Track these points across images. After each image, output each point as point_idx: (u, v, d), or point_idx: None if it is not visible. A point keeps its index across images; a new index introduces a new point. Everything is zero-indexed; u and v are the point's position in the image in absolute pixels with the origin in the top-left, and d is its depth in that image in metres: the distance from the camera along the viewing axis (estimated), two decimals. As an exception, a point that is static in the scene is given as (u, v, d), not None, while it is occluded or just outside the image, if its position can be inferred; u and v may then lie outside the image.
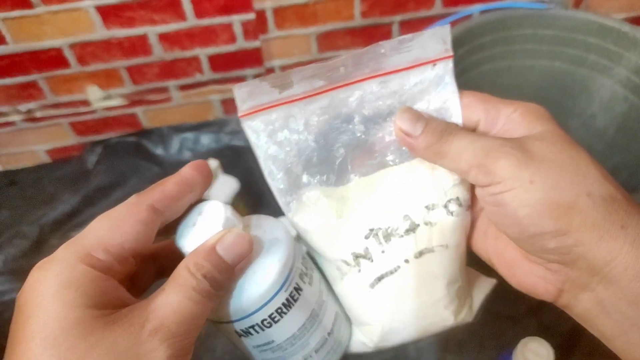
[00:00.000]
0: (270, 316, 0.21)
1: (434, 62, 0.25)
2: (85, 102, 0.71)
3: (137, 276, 0.22)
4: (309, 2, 0.65)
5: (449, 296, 0.25)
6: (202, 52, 0.68)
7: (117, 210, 0.19)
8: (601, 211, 0.18)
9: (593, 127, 0.63)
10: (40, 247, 0.65)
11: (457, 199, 0.25)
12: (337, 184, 0.25)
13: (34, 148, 0.76)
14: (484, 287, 0.28)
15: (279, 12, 0.66)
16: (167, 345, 0.17)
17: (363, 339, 0.26)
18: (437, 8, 0.68)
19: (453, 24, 0.57)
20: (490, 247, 0.24)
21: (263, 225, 0.23)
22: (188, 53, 0.67)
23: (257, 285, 0.20)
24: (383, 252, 0.24)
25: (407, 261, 0.24)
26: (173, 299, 0.17)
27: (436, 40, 0.24)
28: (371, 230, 0.24)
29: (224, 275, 0.19)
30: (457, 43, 0.57)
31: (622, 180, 0.65)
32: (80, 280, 0.17)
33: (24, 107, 0.70)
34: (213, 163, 0.58)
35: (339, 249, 0.24)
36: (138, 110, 0.74)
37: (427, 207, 0.25)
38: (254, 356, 0.23)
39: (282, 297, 0.21)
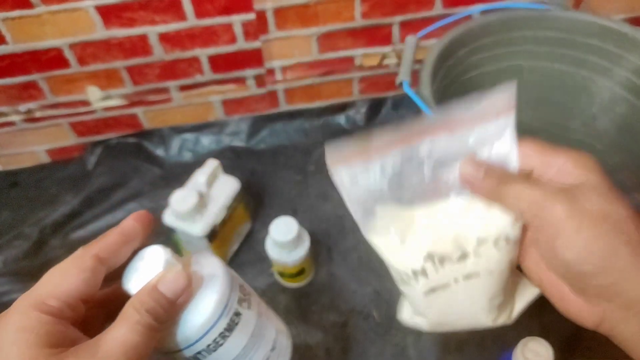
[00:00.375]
0: (214, 341, 0.24)
1: (498, 115, 0.29)
2: (85, 103, 0.71)
3: (90, 320, 0.24)
4: (310, 3, 0.65)
5: (489, 308, 0.31)
6: (203, 53, 0.68)
7: (65, 262, 0.22)
8: (637, 256, 0.22)
9: (593, 128, 0.63)
10: (40, 249, 0.65)
11: (507, 237, 0.29)
12: (405, 204, 0.31)
13: (34, 149, 0.76)
14: (527, 295, 0.33)
15: (279, 12, 0.66)
16: None
17: (419, 323, 0.34)
18: (438, 9, 0.68)
19: (453, 24, 0.57)
20: (543, 276, 0.28)
21: (201, 262, 0.26)
22: (188, 53, 0.68)
23: (199, 315, 0.23)
24: (437, 272, 0.30)
25: (456, 280, 0.30)
26: (120, 332, 0.20)
27: (502, 95, 0.29)
28: (429, 254, 0.30)
29: (166, 309, 0.22)
30: (458, 44, 0.57)
31: (622, 180, 0.65)
32: (34, 324, 0.19)
33: (23, 107, 0.70)
34: (213, 163, 0.58)
35: (402, 266, 0.31)
36: (138, 111, 0.74)
37: (478, 240, 0.30)
38: None
39: (223, 323, 0.24)
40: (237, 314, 0.25)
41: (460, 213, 0.30)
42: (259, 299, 0.28)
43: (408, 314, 0.35)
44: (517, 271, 0.32)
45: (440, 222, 0.31)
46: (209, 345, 0.24)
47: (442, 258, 0.30)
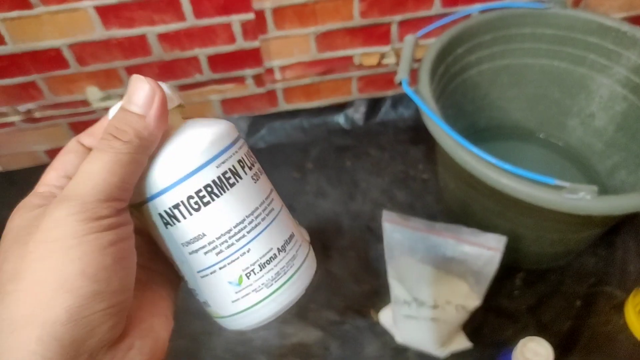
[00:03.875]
0: (197, 193, 0.18)
1: (488, 248, 0.49)
2: (85, 103, 0.71)
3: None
4: (308, 2, 0.65)
5: (436, 342, 0.50)
6: (202, 52, 0.68)
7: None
8: None
9: (592, 126, 0.63)
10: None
11: (464, 306, 0.50)
12: (416, 259, 0.53)
13: (33, 149, 0.76)
14: (461, 344, 0.52)
15: (278, 12, 0.66)
16: (68, 206, 0.16)
17: (394, 332, 0.54)
18: (437, 7, 0.68)
19: (452, 23, 0.57)
20: None
21: (209, 118, 0.21)
22: (187, 53, 0.68)
23: (185, 150, 0.18)
24: (416, 308, 0.51)
25: (425, 318, 0.50)
26: (85, 168, 0.17)
27: (494, 238, 0.49)
28: (415, 297, 0.51)
29: (134, 126, 0.18)
30: (456, 42, 0.57)
31: (621, 179, 0.65)
32: (29, 198, 0.19)
33: (23, 107, 0.70)
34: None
35: (398, 293, 0.52)
36: (138, 111, 0.74)
37: (447, 300, 0.50)
38: (185, 266, 0.20)
39: (211, 173, 0.19)
40: (235, 174, 0.19)
41: (443, 280, 0.51)
42: (273, 190, 0.22)
43: (389, 319, 0.54)
44: (459, 328, 0.52)
45: (430, 280, 0.51)
46: (189, 198, 0.18)
47: (422, 302, 0.50)
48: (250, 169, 0.20)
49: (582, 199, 0.39)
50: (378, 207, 0.65)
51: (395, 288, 0.51)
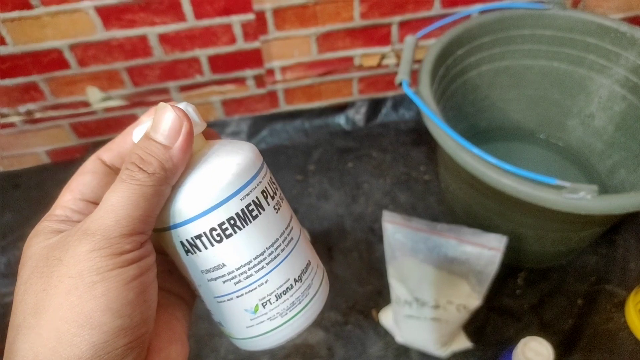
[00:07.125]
0: (220, 226, 0.18)
1: (489, 248, 0.49)
2: (86, 104, 0.71)
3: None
4: (309, 3, 0.65)
5: (438, 342, 0.51)
6: (202, 53, 0.68)
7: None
8: None
9: (592, 126, 0.63)
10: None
11: (465, 305, 0.50)
12: (418, 259, 0.53)
13: (35, 150, 0.76)
14: (462, 344, 0.52)
15: (278, 13, 0.66)
16: (92, 241, 0.16)
17: (395, 333, 0.54)
18: (436, 9, 0.69)
19: (452, 24, 0.58)
20: None
21: (232, 141, 0.21)
22: (188, 54, 0.68)
23: (210, 182, 0.18)
24: (417, 308, 0.51)
25: (426, 318, 0.51)
26: (108, 199, 0.17)
27: (495, 238, 0.49)
28: (416, 297, 0.51)
29: (158, 157, 0.18)
30: (456, 44, 0.57)
31: (621, 178, 0.65)
32: (41, 228, 0.19)
33: (24, 108, 0.70)
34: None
35: (399, 293, 0.52)
36: (139, 112, 0.74)
37: (448, 300, 0.50)
38: (203, 289, 0.20)
39: (235, 206, 0.19)
40: (258, 206, 0.19)
41: (445, 280, 0.51)
42: (294, 216, 0.22)
43: (389, 319, 0.55)
44: (460, 328, 0.51)
45: (432, 280, 0.51)
46: (212, 230, 0.18)
47: (423, 302, 0.51)
48: (272, 198, 0.20)
49: (583, 199, 0.40)
50: (380, 209, 0.66)
51: (396, 288, 0.52)
